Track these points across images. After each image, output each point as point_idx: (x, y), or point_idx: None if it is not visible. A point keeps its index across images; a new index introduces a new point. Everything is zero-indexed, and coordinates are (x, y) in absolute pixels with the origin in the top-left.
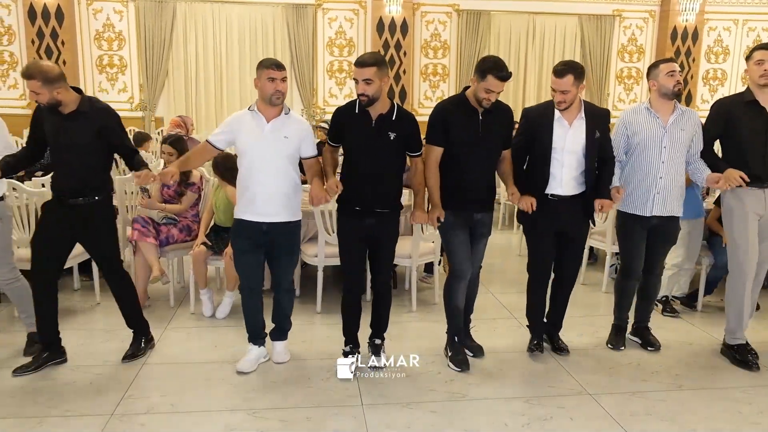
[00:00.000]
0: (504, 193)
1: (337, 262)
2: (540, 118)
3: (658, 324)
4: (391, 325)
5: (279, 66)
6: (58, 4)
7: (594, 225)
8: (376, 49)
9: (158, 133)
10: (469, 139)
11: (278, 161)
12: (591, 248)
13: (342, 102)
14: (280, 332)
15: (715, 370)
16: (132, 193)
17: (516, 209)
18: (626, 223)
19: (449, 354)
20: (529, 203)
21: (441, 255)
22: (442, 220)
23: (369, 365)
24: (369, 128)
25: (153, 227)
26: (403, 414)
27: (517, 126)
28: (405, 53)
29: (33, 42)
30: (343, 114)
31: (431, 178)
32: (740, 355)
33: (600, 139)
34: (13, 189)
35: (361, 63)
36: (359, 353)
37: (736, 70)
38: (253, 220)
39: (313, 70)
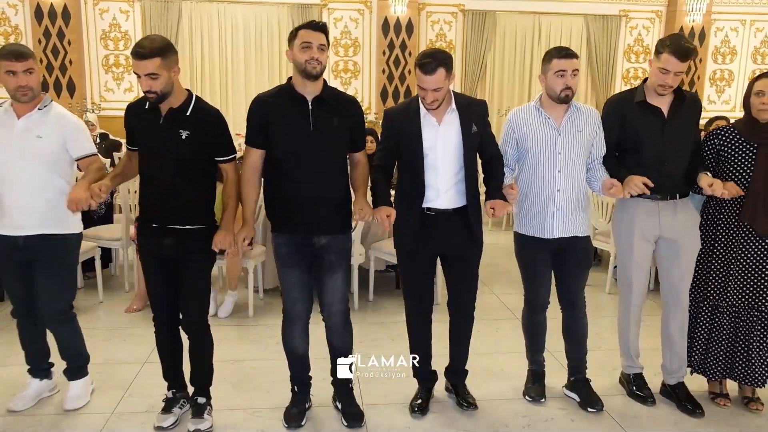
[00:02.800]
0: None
1: None
2: (404, 119)
3: None
4: (392, 325)
5: (18, 55)
6: (65, 4)
7: (479, 243)
8: (381, 50)
9: None
10: (297, 137)
11: (32, 165)
12: (595, 249)
13: None
14: (72, 371)
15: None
16: (135, 192)
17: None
18: (525, 248)
19: (288, 404)
20: (384, 216)
21: None
22: (248, 242)
23: (188, 429)
24: (157, 125)
25: None
26: (404, 414)
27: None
28: (410, 53)
29: (39, 41)
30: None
31: (246, 189)
32: (635, 386)
33: (479, 134)
34: None
35: (140, 55)
36: (188, 403)
37: (744, 71)
38: (7, 234)
39: None
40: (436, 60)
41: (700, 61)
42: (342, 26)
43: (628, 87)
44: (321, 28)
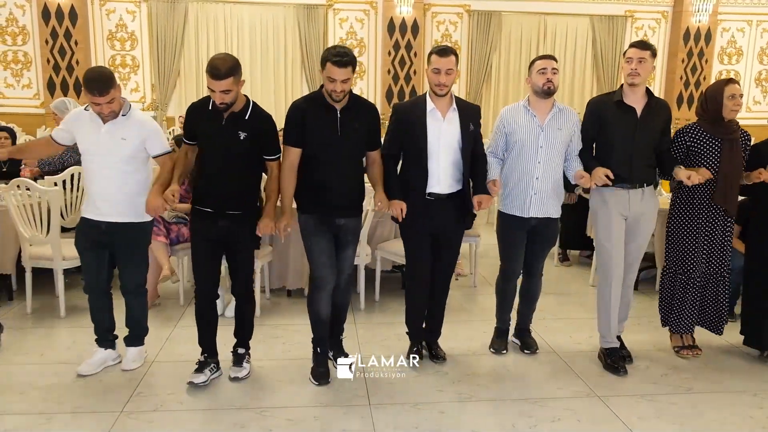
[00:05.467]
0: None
1: None
2: (411, 112)
3: None
4: (398, 325)
5: (102, 90)
6: (72, 5)
7: (469, 227)
8: (386, 50)
9: (170, 132)
10: (327, 139)
11: (116, 163)
12: None
13: None
14: (132, 338)
15: (725, 373)
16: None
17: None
18: (505, 224)
19: (312, 365)
20: (399, 209)
21: None
22: (290, 229)
23: (229, 376)
24: (219, 126)
25: (163, 226)
26: (411, 414)
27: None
28: (416, 54)
29: (47, 42)
30: (197, 110)
31: (285, 183)
32: (611, 360)
33: (473, 133)
34: (26, 189)
35: (216, 76)
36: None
37: (750, 71)
38: (92, 219)
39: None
40: (450, 48)
41: (706, 61)
42: (347, 27)
43: None
44: (346, 63)
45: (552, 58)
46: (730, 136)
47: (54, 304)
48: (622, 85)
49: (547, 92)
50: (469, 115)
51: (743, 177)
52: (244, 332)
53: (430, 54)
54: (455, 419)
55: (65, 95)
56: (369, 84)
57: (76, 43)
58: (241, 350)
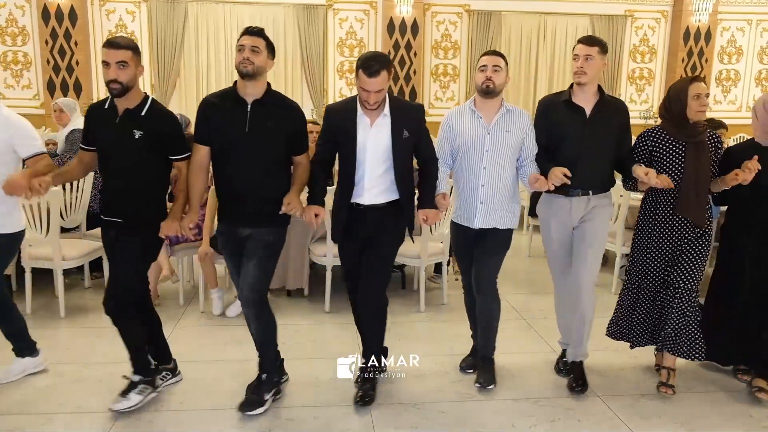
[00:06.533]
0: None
1: None
2: (342, 116)
3: None
4: (399, 325)
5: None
6: (72, 5)
7: (401, 241)
8: (386, 50)
9: None
10: (233, 136)
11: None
12: None
13: None
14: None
15: (726, 373)
16: None
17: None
18: (455, 234)
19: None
20: (311, 215)
21: (450, 255)
22: (191, 227)
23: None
24: (113, 124)
25: None
26: (411, 414)
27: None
28: (415, 54)
29: (47, 42)
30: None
31: (192, 182)
32: (558, 361)
33: (412, 139)
34: None
35: (115, 45)
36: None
37: (750, 71)
38: None
39: (324, 70)
40: (379, 63)
41: (706, 61)
42: (347, 27)
43: (634, 87)
44: (256, 33)
45: (496, 54)
46: (695, 140)
47: (54, 305)
48: (572, 84)
49: (485, 91)
50: (405, 119)
51: (713, 184)
52: (137, 359)
53: (357, 68)
54: (455, 419)
55: (65, 96)
56: None
57: (76, 44)
58: (135, 377)
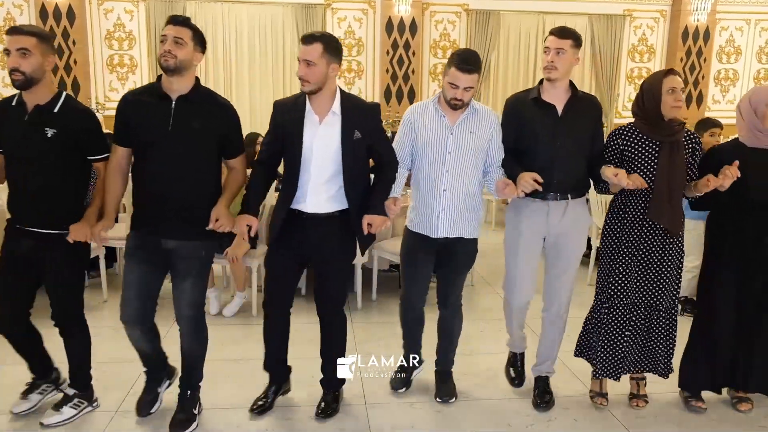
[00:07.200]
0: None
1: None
2: (288, 112)
3: None
4: (396, 325)
5: None
6: (70, 4)
7: (352, 258)
8: (384, 49)
9: None
10: (153, 135)
11: None
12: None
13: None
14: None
15: None
16: None
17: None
18: (409, 243)
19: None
20: (244, 226)
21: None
22: (103, 235)
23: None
24: (22, 121)
25: None
26: (407, 413)
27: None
28: (414, 53)
29: None
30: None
31: (108, 185)
32: (508, 363)
33: (365, 141)
34: None
35: (17, 31)
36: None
37: (748, 71)
38: None
39: None
40: (317, 34)
41: (705, 60)
42: (346, 26)
43: (632, 86)
44: (181, 22)
45: (472, 71)
46: (670, 139)
47: (48, 305)
48: (542, 80)
49: (452, 106)
50: (357, 119)
51: (689, 188)
52: (75, 373)
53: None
54: (451, 418)
55: None
56: (367, 83)
57: (74, 43)
58: (70, 391)
